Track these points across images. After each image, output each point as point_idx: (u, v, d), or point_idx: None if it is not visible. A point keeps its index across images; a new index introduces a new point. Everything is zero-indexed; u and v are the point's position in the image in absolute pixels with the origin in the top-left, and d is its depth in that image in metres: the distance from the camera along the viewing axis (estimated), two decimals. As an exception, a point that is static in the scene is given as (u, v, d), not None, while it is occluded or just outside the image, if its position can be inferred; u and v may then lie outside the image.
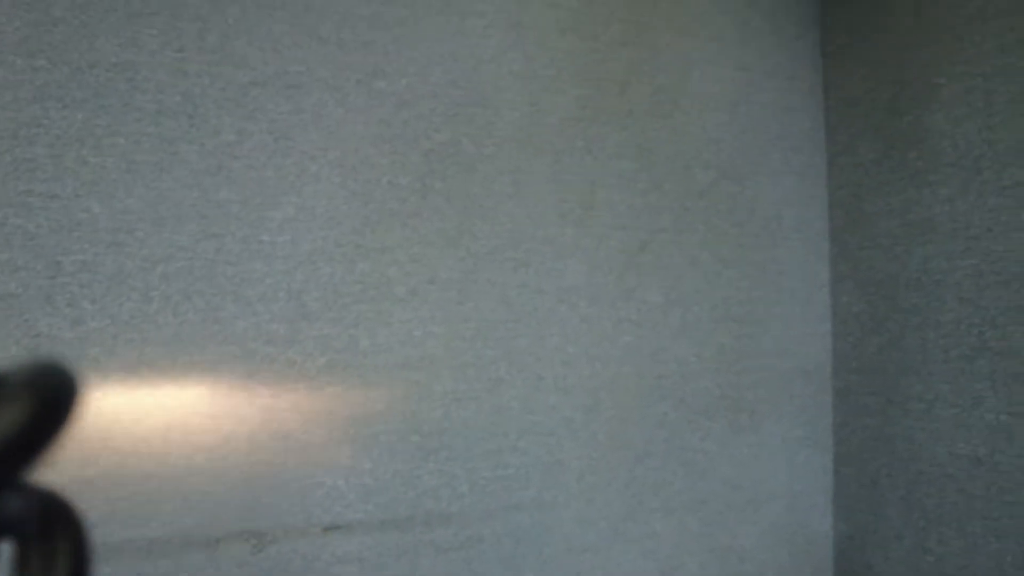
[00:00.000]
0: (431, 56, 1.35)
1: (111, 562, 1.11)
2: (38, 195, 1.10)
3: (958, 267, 1.39)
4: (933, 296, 1.44)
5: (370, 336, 1.29)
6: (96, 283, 1.13)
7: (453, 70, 1.37)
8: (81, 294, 1.12)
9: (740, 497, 1.58)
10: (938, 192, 1.43)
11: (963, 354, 1.38)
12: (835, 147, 1.67)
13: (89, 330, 1.12)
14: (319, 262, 1.26)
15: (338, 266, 1.28)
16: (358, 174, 1.29)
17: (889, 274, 1.53)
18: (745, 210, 1.61)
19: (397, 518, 1.29)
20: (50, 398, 0.25)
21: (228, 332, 1.20)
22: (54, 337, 1.11)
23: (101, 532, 1.11)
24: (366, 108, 1.30)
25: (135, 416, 1.14)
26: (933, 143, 1.44)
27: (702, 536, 1.54)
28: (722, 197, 1.59)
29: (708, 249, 1.57)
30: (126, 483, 1.12)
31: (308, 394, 1.25)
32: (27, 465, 0.24)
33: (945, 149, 1.41)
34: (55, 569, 0.25)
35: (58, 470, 0.32)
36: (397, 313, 1.31)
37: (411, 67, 1.34)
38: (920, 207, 1.46)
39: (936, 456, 1.43)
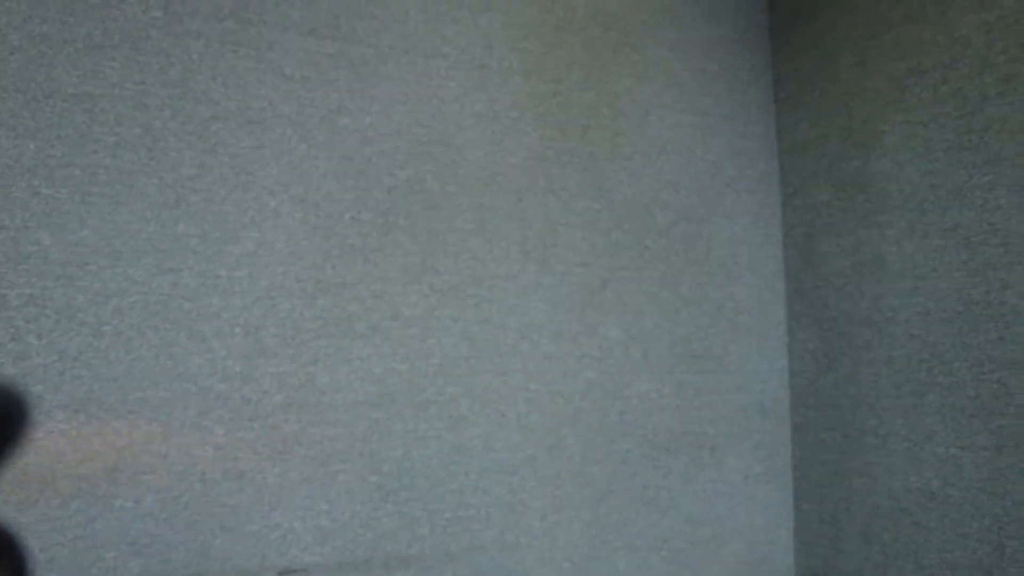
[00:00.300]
0: (395, 95, 1.37)
1: (48, 613, 1.05)
2: (-14, 226, 1.07)
3: (907, 305, 1.44)
4: (885, 333, 1.48)
5: (329, 373, 1.27)
6: (44, 317, 1.09)
7: (417, 109, 1.38)
8: (27, 328, 1.08)
9: (702, 534, 1.57)
10: (886, 233, 1.48)
11: (914, 389, 1.42)
12: (788, 189, 1.73)
13: (34, 366, 1.08)
14: (278, 297, 1.24)
15: (297, 302, 1.26)
16: (320, 209, 1.29)
17: (842, 311, 1.58)
18: (702, 249, 1.65)
19: (355, 561, 1.25)
20: None
21: (182, 369, 1.17)
22: (-4, 373, 1.06)
23: (39, 580, 1.05)
24: (329, 144, 1.31)
25: (80, 456, 1.10)
26: (880, 186, 1.50)
27: (665, 575, 1.52)
28: (680, 237, 1.63)
29: (667, 287, 1.59)
30: (68, 527, 1.07)
31: (264, 433, 1.21)
32: None
33: (891, 192, 1.48)
34: None
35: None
36: (357, 350, 1.30)
37: (375, 105, 1.35)
38: (870, 247, 1.52)
39: (892, 490, 1.45)
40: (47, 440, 1.07)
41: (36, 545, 1.06)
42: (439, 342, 1.36)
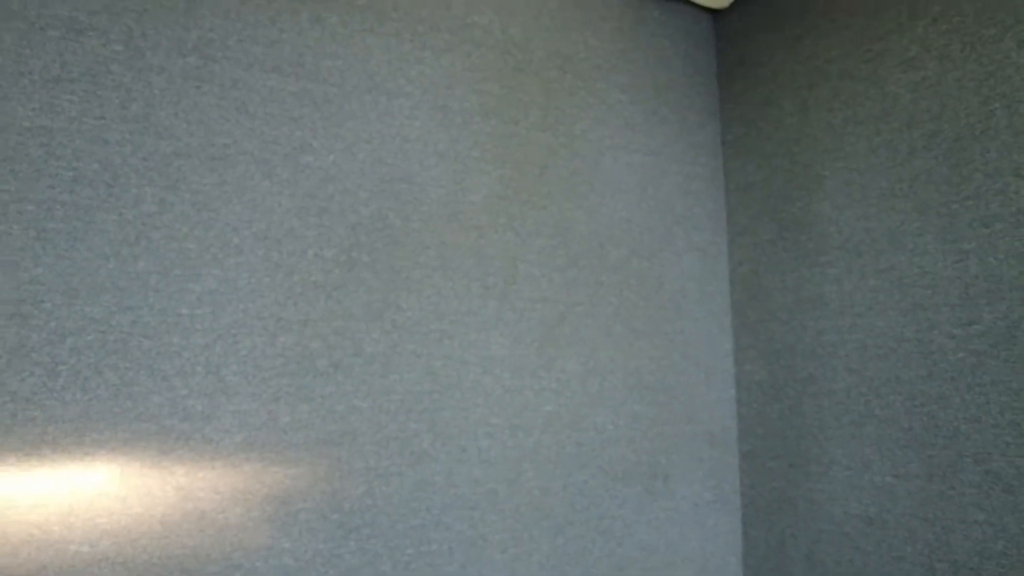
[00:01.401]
0: (358, 134, 1.38)
1: (-3, 667, 1.01)
2: (-64, 265, 1.04)
3: (847, 340, 1.53)
4: (827, 367, 1.57)
5: (290, 411, 1.27)
6: (-3, 359, 1.06)
7: (380, 148, 1.40)
8: (-21, 371, 1.05)
9: (656, 561, 1.62)
10: (827, 272, 1.57)
11: (853, 420, 1.51)
12: (735, 228, 1.82)
13: (-14, 410, 1.04)
14: (239, 335, 1.24)
15: (259, 339, 1.26)
16: (282, 246, 1.29)
17: (787, 345, 1.66)
18: (654, 285, 1.71)
19: (317, 601, 1.24)
20: None
21: (141, 408, 1.15)
22: (-55, 418, 1.03)
23: (-13, 633, 1.01)
24: (292, 181, 1.31)
25: (32, 501, 1.06)
26: (821, 227, 1.59)
27: (621, 604, 1.56)
28: (633, 272, 1.69)
29: (621, 321, 1.65)
30: (18, 575, 1.04)
31: (225, 472, 1.20)
32: None
33: (831, 233, 1.57)
34: None
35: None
36: (319, 387, 1.30)
37: (338, 143, 1.36)
38: (812, 285, 1.61)
39: (833, 516, 1.53)
40: (-2, 486, 1.04)
41: (-20, 594, 1.03)
42: (401, 378, 1.37)
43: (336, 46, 1.39)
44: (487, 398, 1.45)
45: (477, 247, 1.48)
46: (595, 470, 1.56)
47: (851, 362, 1.51)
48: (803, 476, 1.60)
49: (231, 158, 1.27)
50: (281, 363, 1.27)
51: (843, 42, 1.57)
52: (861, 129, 1.52)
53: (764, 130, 1.75)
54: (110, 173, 1.17)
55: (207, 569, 1.16)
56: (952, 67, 1.36)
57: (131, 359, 1.15)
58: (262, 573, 1.20)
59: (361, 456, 1.31)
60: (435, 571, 1.36)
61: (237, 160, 1.27)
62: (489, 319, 1.48)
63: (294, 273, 1.30)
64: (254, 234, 1.27)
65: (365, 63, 1.41)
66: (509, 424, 1.47)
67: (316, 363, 1.30)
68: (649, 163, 1.75)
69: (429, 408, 1.39)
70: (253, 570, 1.20)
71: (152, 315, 1.17)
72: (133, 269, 1.17)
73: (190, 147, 1.23)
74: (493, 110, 1.54)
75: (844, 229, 1.54)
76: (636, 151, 1.73)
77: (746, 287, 1.77)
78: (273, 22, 1.33)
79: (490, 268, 1.49)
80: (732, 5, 1.87)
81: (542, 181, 1.59)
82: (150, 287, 1.18)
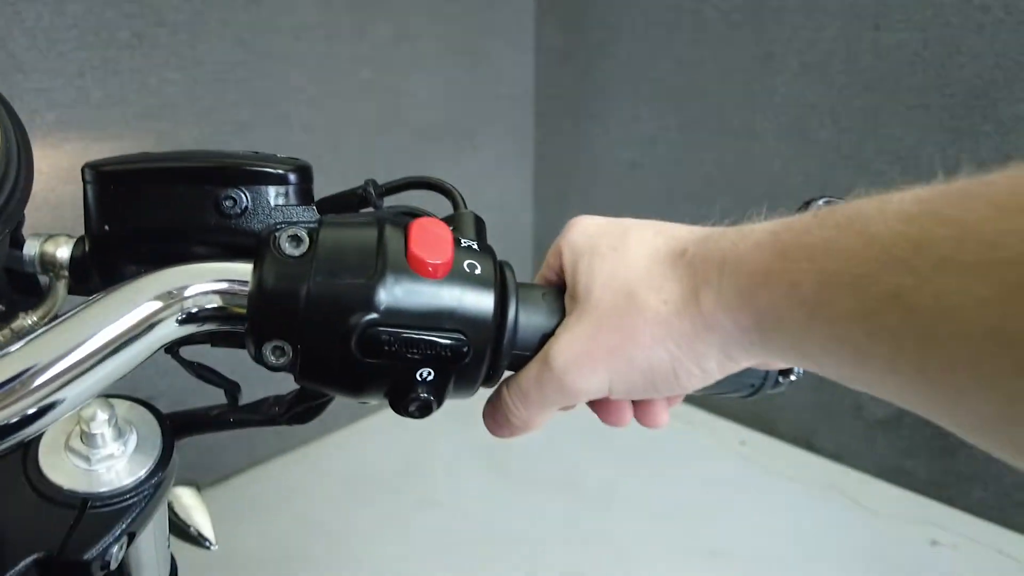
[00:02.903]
0: None
1: None
2: None
3: (633, 10, 1.69)
4: (615, 34, 1.74)
5: (101, 87, 1.24)
6: None
7: None
8: None
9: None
10: (624, -56, 1.65)
11: (631, 82, 1.75)
12: None
13: None
14: (19, 4, 1.14)
15: (43, 8, 1.16)
16: None
17: (580, 11, 1.79)
18: (464, -55, 1.70)
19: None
20: None
21: (-74, 90, 1.08)
22: None
23: None
24: None
25: None
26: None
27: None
28: (442, -68, 1.65)
29: (432, -15, 1.66)
30: None
31: (44, 152, 1.21)
32: None
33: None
34: None
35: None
36: (125, 61, 1.26)
37: None
38: (608, -45, 1.69)
39: (607, 162, 1.86)
40: None
41: None
42: (211, 48, 1.36)
43: None
44: (302, 66, 1.49)
45: (275, -101, 1.37)
46: (411, 132, 1.72)
47: (635, 30, 1.70)
48: (585, 131, 1.88)
49: None
50: (77, 35, 1.20)
51: None
52: None
53: None
54: None
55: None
56: None
57: None
58: (109, 240, 1.30)
59: (184, 127, 1.35)
60: (273, 227, 1.53)
61: None
62: (297, -17, 1.44)
63: (66, -72, 1.16)
64: None
65: None
66: (327, 91, 1.54)
67: (116, 35, 1.24)
68: None
69: (244, 78, 1.41)
70: (100, 238, 1.29)
71: (-96, -19, 1.04)
72: None
73: None
74: None
75: None
76: None
77: (551, -49, 1.82)
78: None
79: (292, -75, 1.40)
80: None
81: None
82: None
